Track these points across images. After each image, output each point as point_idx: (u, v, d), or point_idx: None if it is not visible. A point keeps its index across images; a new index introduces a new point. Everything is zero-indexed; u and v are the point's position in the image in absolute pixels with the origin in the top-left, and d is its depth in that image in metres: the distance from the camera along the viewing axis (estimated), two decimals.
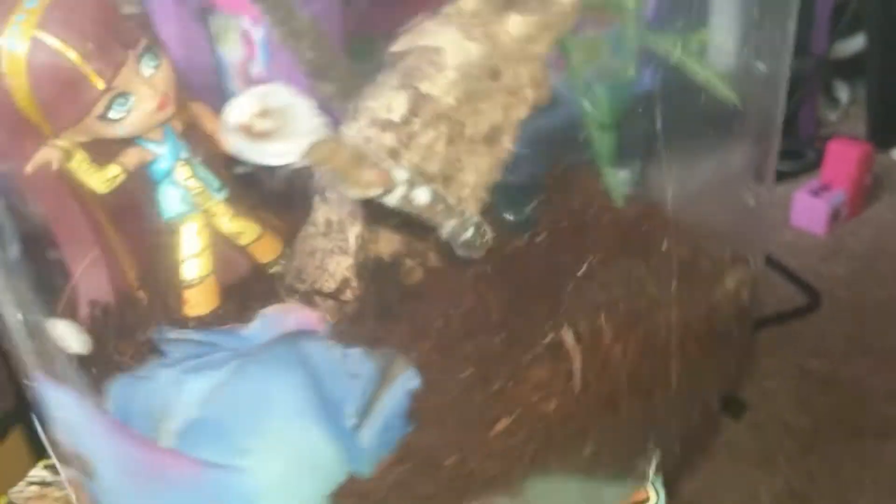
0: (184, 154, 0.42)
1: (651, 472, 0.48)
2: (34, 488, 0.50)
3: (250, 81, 0.80)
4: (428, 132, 0.41)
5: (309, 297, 0.44)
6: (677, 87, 0.45)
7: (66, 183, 0.40)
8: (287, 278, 0.45)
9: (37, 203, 0.41)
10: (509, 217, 0.48)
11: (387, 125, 0.41)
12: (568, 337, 0.41)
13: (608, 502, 0.49)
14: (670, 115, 0.43)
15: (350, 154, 0.32)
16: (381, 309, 0.43)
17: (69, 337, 0.40)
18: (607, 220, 0.48)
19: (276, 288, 0.45)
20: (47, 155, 0.39)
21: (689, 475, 0.68)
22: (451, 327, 0.42)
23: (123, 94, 0.38)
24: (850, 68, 1.22)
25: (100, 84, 0.37)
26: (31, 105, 0.37)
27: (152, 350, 0.41)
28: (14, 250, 0.35)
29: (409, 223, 0.39)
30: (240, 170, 0.34)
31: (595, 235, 0.47)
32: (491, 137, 0.44)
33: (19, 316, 0.36)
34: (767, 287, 0.50)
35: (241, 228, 0.45)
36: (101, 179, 0.40)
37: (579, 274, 0.45)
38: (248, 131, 0.29)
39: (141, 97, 0.39)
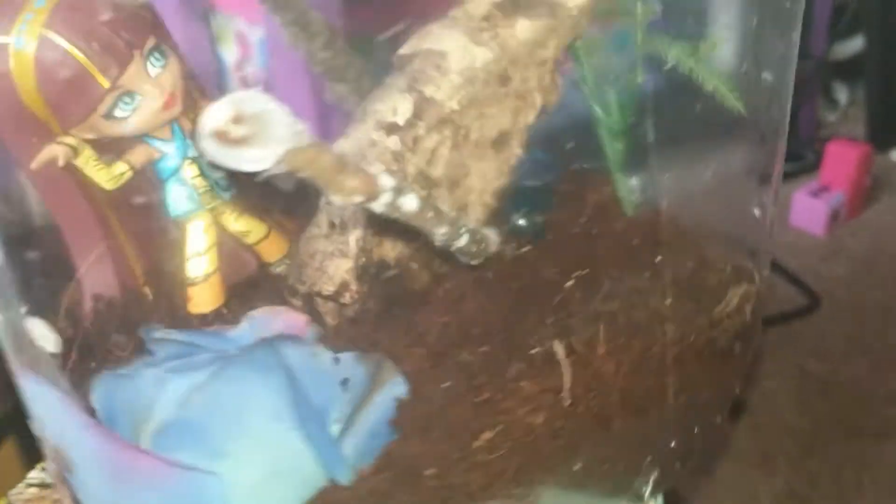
0: (192, 152, 0.42)
1: (648, 490, 0.47)
2: (33, 490, 0.50)
3: (246, 82, 0.80)
4: (432, 136, 0.41)
5: (309, 299, 0.44)
6: (681, 93, 0.45)
7: (73, 179, 0.40)
8: (289, 279, 0.45)
9: (44, 198, 0.42)
10: (520, 223, 0.48)
11: (392, 128, 0.41)
12: (559, 350, 0.41)
13: None
14: (674, 122, 0.43)
15: (332, 160, 0.32)
16: (379, 313, 0.43)
17: (43, 336, 0.40)
18: (614, 228, 0.48)
19: (280, 288, 0.45)
20: (53, 151, 0.39)
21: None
22: (447, 335, 0.42)
23: (129, 93, 0.39)
24: (849, 70, 1.22)
25: (105, 83, 0.37)
26: (38, 102, 0.38)
27: (140, 348, 0.41)
28: None
29: (412, 228, 0.39)
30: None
31: (601, 245, 0.47)
32: (499, 142, 0.43)
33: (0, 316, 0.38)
34: (767, 288, 0.50)
35: (248, 227, 0.45)
36: (107, 176, 0.41)
37: (567, 286, 0.44)
38: (224, 137, 0.28)
39: (147, 96, 0.39)
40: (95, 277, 0.43)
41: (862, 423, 0.72)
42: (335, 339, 0.41)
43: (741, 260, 0.49)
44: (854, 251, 0.97)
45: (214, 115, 0.29)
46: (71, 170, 0.40)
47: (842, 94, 1.26)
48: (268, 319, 0.42)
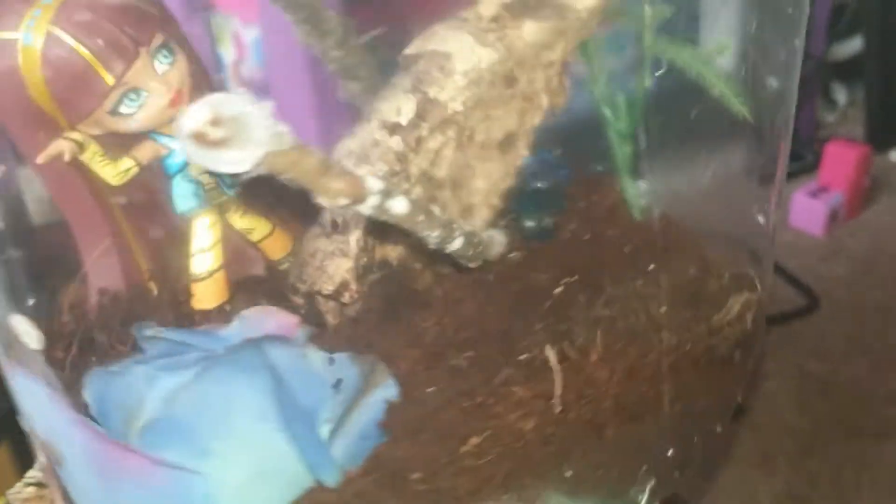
0: None
1: (644, 498, 0.47)
2: (31, 489, 0.50)
3: (242, 82, 0.80)
4: (436, 137, 0.41)
5: (310, 298, 0.44)
6: (681, 96, 0.45)
7: (79, 174, 0.41)
8: (291, 277, 0.45)
9: (51, 192, 0.43)
10: (529, 224, 0.48)
11: (395, 128, 0.41)
12: (550, 355, 0.41)
13: None
14: (674, 125, 0.43)
15: (316, 163, 0.32)
16: (379, 314, 0.43)
17: (26, 333, 0.41)
18: (615, 233, 0.48)
19: (283, 286, 0.45)
20: (59, 146, 0.39)
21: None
22: (444, 337, 0.42)
23: (135, 90, 0.39)
24: (848, 70, 1.22)
25: (110, 79, 0.38)
26: (45, 97, 0.38)
27: (131, 345, 0.41)
28: None
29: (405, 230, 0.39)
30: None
31: (601, 249, 0.47)
32: (505, 144, 0.43)
33: None
34: (769, 296, 0.50)
35: (252, 224, 0.45)
36: (113, 172, 0.41)
37: (557, 292, 0.44)
38: (202, 139, 0.29)
39: (153, 93, 0.40)
40: (101, 271, 0.44)
41: (862, 423, 0.72)
42: (331, 339, 0.41)
43: (743, 267, 0.48)
44: (853, 251, 0.97)
45: (192, 117, 0.29)
46: (77, 165, 0.41)
47: (841, 94, 1.26)
48: (258, 319, 0.42)
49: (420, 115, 0.41)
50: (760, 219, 0.48)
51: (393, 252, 0.45)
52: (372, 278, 0.44)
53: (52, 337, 0.42)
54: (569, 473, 0.42)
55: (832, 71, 1.23)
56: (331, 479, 0.37)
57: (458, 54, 0.41)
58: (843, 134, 1.17)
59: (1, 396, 0.42)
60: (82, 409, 0.39)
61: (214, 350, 0.40)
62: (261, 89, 0.75)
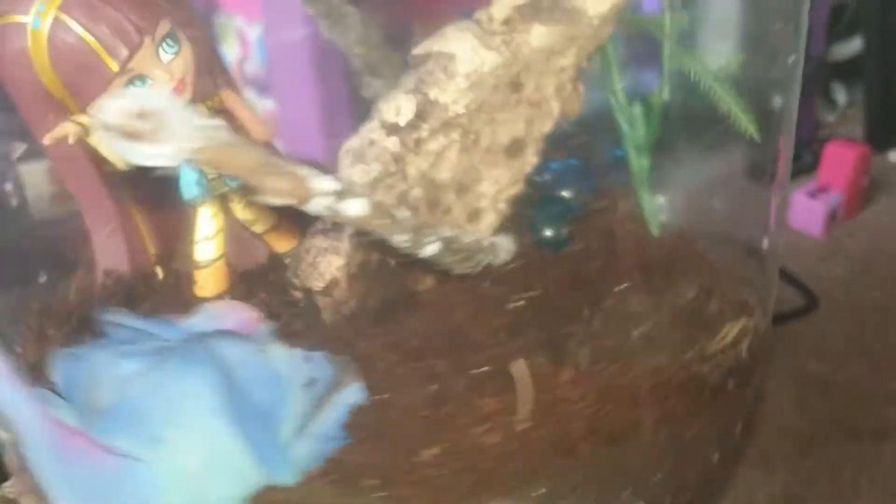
0: None
1: None
2: None
3: (246, 81, 0.80)
4: (438, 139, 0.41)
5: (308, 293, 0.44)
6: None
7: (89, 156, 0.42)
8: (289, 272, 0.46)
9: (60, 173, 0.44)
10: (547, 234, 0.48)
11: (393, 129, 0.41)
12: (515, 370, 0.41)
13: None
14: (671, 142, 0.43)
15: (254, 160, 0.32)
16: (367, 314, 0.43)
17: None
18: (629, 248, 0.48)
19: (284, 280, 0.45)
20: (65, 129, 0.40)
21: None
22: (427, 343, 0.42)
23: (140, 77, 0.40)
24: (847, 70, 1.22)
25: (114, 66, 0.39)
26: (54, 81, 0.40)
27: (93, 330, 0.42)
28: None
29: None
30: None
31: (611, 264, 0.47)
32: (513, 149, 0.43)
33: None
34: (769, 327, 0.50)
35: (255, 216, 0.46)
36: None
37: (513, 306, 0.44)
38: (122, 131, 0.29)
39: (157, 81, 0.41)
40: (108, 253, 0.45)
41: (861, 423, 0.72)
42: (312, 336, 0.41)
43: (741, 293, 0.48)
44: (852, 252, 0.97)
45: (109, 108, 0.29)
46: (86, 148, 0.41)
47: (840, 94, 1.26)
48: (221, 313, 0.43)
49: (420, 116, 0.41)
50: (764, 244, 0.48)
51: (394, 253, 0.45)
52: (367, 278, 0.44)
53: (50, 315, 0.43)
54: (542, 491, 0.41)
55: (832, 71, 1.23)
56: (287, 479, 0.38)
57: (461, 56, 0.41)
58: (842, 134, 1.17)
59: None
60: (43, 386, 0.39)
61: (172, 340, 0.40)
62: (265, 87, 0.75)
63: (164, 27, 0.40)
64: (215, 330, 0.41)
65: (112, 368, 0.39)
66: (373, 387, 0.39)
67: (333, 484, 0.38)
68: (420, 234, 0.39)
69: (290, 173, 0.33)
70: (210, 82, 0.45)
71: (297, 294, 0.45)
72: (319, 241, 0.44)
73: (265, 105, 0.73)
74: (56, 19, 0.38)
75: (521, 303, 0.44)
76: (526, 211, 0.47)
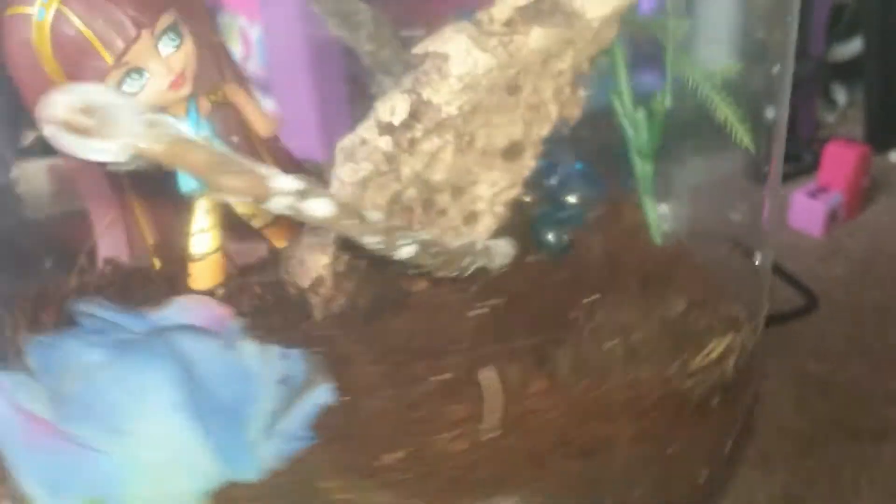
0: (204, 132, 0.43)
1: None
2: None
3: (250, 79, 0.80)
4: (432, 139, 0.41)
5: (300, 290, 0.44)
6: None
7: None
8: (281, 268, 0.46)
9: (63, 162, 0.46)
10: (549, 238, 0.47)
11: (387, 128, 0.41)
12: (483, 378, 0.40)
13: None
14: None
15: (207, 158, 0.32)
16: (352, 314, 0.43)
17: None
18: (626, 256, 0.47)
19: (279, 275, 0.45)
20: None
21: None
22: (406, 345, 0.42)
23: (138, 70, 0.40)
24: (847, 71, 1.22)
25: (109, 58, 0.39)
26: (57, 72, 0.40)
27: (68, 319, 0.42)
28: None
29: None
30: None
31: (604, 272, 0.46)
32: (510, 152, 0.43)
33: None
34: (758, 345, 0.49)
35: (253, 211, 0.46)
36: None
37: (477, 314, 0.43)
38: (67, 126, 0.29)
39: (154, 74, 0.41)
40: (108, 241, 0.45)
41: (860, 423, 0.71)
42: (291, 334, 0.41)
43: (731, 309, 0.47)
44: (852, 252, 0.97)
45: (55, 103, 0.29)
46: None
47: (840, 95, 1.26)
48: (190, 308, 0.43)
49: (414, 117, 0.41)
50: (757, 259, 0.48)
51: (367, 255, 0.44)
52: (357, 277, 0.44)
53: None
54: (513, 500, 0.40)
55: (832, 71, 1.23)
56: (249, 475, 0.38)
57: (454, 57, 0.41)
58: (842, 134, 1.17)
59: None
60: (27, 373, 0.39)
61: (138, 332, 0.40)
62: (267, 86, 0.76)
63: (165, 21, 0.41)
64: (179, 325, 0.41)
65: (79, 357, 0.39)
66: (343, 387, 0.39)
67: (296, 483, 0.38)
68: (392, 236, 0.38)
69: (248, 172, 0.33)
70: (216, 76, 0.45)
71: (292, 290, 0.45)
72: (308, 239, 0.44)
73: (267, 105, 0.73)
74: (58, 11, 0.39)
75: (491, 309, 0.44)
76: (527, 215, 0.47)
